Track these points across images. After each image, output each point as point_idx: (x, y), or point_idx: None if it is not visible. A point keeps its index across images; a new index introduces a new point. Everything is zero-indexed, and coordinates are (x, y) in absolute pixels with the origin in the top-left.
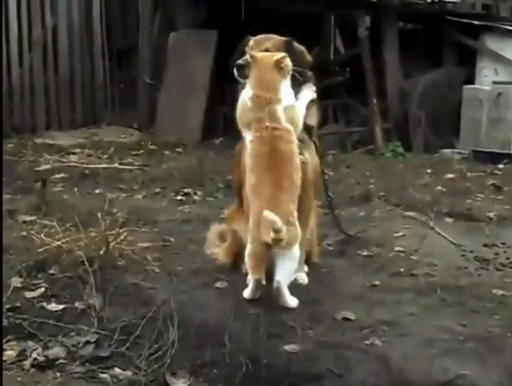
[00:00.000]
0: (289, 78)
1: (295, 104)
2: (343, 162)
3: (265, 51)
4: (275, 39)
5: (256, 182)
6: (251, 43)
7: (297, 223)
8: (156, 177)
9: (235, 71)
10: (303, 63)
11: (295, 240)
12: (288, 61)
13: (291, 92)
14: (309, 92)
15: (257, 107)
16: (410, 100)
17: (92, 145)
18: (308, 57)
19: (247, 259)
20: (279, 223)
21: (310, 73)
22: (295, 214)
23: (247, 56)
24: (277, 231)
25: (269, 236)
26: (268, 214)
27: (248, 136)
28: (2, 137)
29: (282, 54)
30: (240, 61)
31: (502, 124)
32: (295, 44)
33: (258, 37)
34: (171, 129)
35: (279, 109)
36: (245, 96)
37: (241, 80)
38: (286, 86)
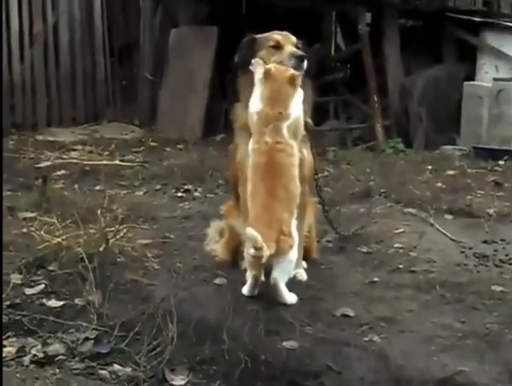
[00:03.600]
0: (298, 93)
1: (301, 117)
2: (343, 158)
3: (296, 44)
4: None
5: (252, 190)
6: (277, 37)
7: (294, 231)
8: (157, 173)
9: (298, 62)
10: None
11: (288, 249)
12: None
13: (300, 107)
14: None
15: (263, 122)
16: (411, 97)
17: (93, 142)
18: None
19: (245, 256)
20: (259, 241)
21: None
22: (292, 223)
23: (296, 50)
24: (257, 248)
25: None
26: (250, 231)
27: (250, 144)
28: (3, 135)
29: (296, 72)
30: (301, 53)
31: (503, 120)
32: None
33: (277, 32)
34: (172, 126)
35: (285, 126)
36: (254, 107)
37: (300, 72)
38: (295, 100)
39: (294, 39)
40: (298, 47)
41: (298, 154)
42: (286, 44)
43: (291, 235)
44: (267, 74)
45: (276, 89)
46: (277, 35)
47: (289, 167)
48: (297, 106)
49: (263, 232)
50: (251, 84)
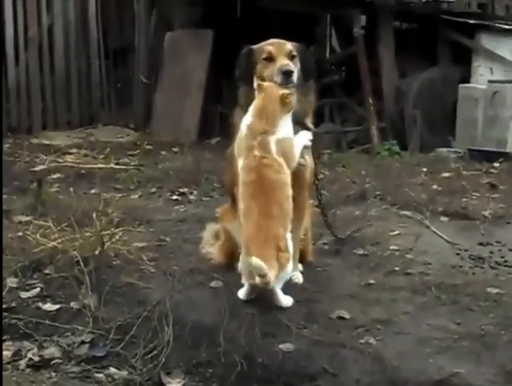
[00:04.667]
0: (290, 114)
1: (293, 138)
2: (339, 161)
3: (290, 53)
4: (289, 43)
5: (244, 209)
6: (270, 48)
7: (289, 244)
8: (152, 177)
9: (283, 77)
10: (313, 67)
11: (286, 263)
12: (293, 98)
13: (290, 127)
14: (305, 138)
15: (251, 135)
16: (406, 99)
17: (89, 146)
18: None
19: (241, 265)
20: (265, 269)
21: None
22: (287, 237)
23: (285, 62)
24: (262, 276)
25: (254, 279)
26: (255, 261)
27: (240, 162)
28: (2, 136)
29: (288, 91)
30: (289, 67)
31: (498, 122)
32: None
33: (270, 42)
34: (167, 129)
35: (271, 141)
36: (245, 122)
37: (287, 85)
38: (285, 120)
39: (288, 46)
40: (292, 56)
41: (288, 173)
42: (278, 56)
43: (288, 249)
44: (260, 89)
45: (265, 104)
46: (269, 46)
47: (279, 184)
48: (287, 126)
49: (262, 252)
50: (251, 97)
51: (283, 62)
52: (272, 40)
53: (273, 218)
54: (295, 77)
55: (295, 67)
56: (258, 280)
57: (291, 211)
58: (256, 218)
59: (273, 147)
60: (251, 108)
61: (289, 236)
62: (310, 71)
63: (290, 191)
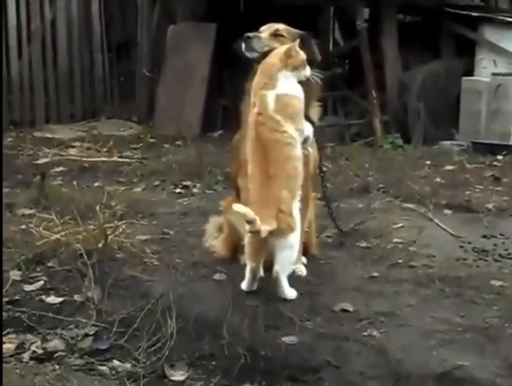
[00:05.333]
0: (295, 72)
1: (297, 97)
2: (342, 154)
3: (275, 31)
4: (288, 27)
5: (250, 169)
6: (263, 27)
7: (295, 212)
8: (155, 170)
9: (243, 44)
10: (315, 56)
11: (289, 229)
12: (299, 54)
13: (295, 86)
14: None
15: (253, 92)
16: (409, 92)
17: (92, 139)
18: (319, 54)
19: (246, 248)
20: (250, 214)
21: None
22: (293, 203)
23: (255, 33)
24: (250, 222)
25: (245, 229)
26: (237, 206)
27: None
28: (3, 134)
29: (294, 43)
30: (249, 33)
31: (501, 115)
32: (312, 39)
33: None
34: (170, 122)
35: (269, 96)
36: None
37: (248, 53)
38: (288, 77)
39: (276, 27)
40: (278, 32)
41: (290, 132)
42: (263, 32)
43: (292, 215)
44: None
45: (267, 59)
46: (264, 25)
47: (275, 144)
48: (290, 83)
49: (260, 210)
50: None
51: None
52: (278, 24)
53: (272, 178)
54: (256, 45)
55: (258, 38)
56: (247, 227)
57: (299, 176)
58: (258, 176)
59: (270, 103)
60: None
61: (297, 205)
62: (312, 58)
63: (294, 152)
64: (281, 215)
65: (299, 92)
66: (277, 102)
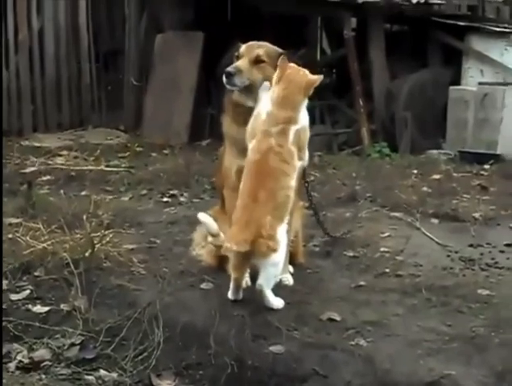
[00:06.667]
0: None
1: (308, 128)
2: (329, 163)
3: (256, 58)
4: (268, 47)
5: (241, 187)
6: (242, 49)
7: (280, 235)
8: (142, 179)
9: (224, 78)
10: None
11: (269, 252)
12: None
13: (306, 114)
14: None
15: (270, 122)
16: (397, 102)
17: (79, 148)
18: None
19: (229, 258)
20: (214, 227)
21: None
22: (278, 226)
23: (237, 63)
24: (213, 235)
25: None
26: (202, 216)
27: (250, 145)
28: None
29: (318, 77)
30: (230, 68)
31: (488, 124)
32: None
33: (250, 43)
34: (157, 131)
35: (292, 130)
36: (263, 109)
37: (229, 87)
38: (304, 107)
39: (257, 51)
40: (259, 61)
41: (295, 165)
42: (243, 56)
43: (274, 238)
44: (281, 73)
45: (289, 92)
46: (244, 46)
47: (278, 173)
48: (305, 113)
49: (238, 230)
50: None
51: (236, 63)
52: (261, 42)
53: (259, 202)
54: (237, 81)
55: (240, 72)
56: (210, 239)
57: (289, 204)
58: (245, 197)
59: (291, 136)
60: (272, 92)
61: (284, 227)
62: None
63: (290, 183)
64: (261, 240)
65: (307, 121)
66: (295, 135)
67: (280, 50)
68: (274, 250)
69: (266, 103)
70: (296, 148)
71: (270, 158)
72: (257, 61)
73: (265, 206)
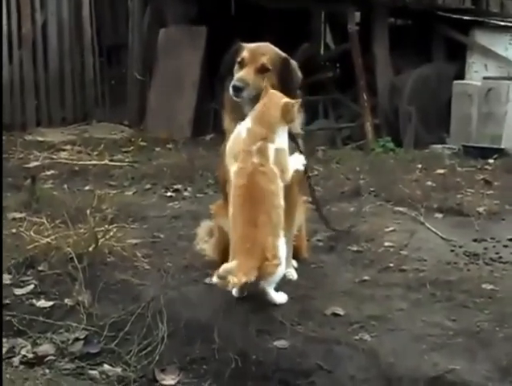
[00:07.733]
0: (287, 127)
1: (287, 151)
2: (333, 157)
3: (261, 67)
4: (271, 53)
5: (233, 214)
6: (245, 54)
7: (281, 248)
8: (146, 173)
9: (231, 91)
10: (296, 82)
11: (274, 270)
12: (295, 109)
13: (286, 140)
14: (298, 162)
15: (250, 140)
16: (401, 96)
17: (83, 142)
18: (300, 74)
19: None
20: (223, 272)
21: (299, 92)
22: (278, 244)
23: (243, 76)
24: (220, 277)
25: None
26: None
27: (233, 167)
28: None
29: (294, 101)
30: (237, 83)
31: (492, 119)
32: (292, 61)
33: (253, 47)
34: (161, 126)
35: (271, 148)
36: (243, 127)
37: (237, 99)
38: (283, 131)
39: (262, 59)
40: (264, 69)
41: (280, 185)
42: (248, 64)
43: (277, 256)
44: (264, 92)
45: (267, 111)
46: (246, 51)
47: (269, 194)
48: (284, 138)
49: (244, 261)
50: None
51: (242, 74)
52: (259, 44)
53: (259, 227)
54: (245, 94)
55: (248, 85)
56: (214, 279)
57: (281, 219)
58: (242, 225)
59: (271, 155)
60: (252, 112)
61: (282, 241)
62: (291, 85)
63: (280, 202)
64: (267, 263)
65: (286, 145)
66: (275, 155)
67: (283, 54)
68: (278, 265)
69: (246, 122)
70: (279, 169)
71: (257, 180)
72: (262, 70)
73: (264, 229)
